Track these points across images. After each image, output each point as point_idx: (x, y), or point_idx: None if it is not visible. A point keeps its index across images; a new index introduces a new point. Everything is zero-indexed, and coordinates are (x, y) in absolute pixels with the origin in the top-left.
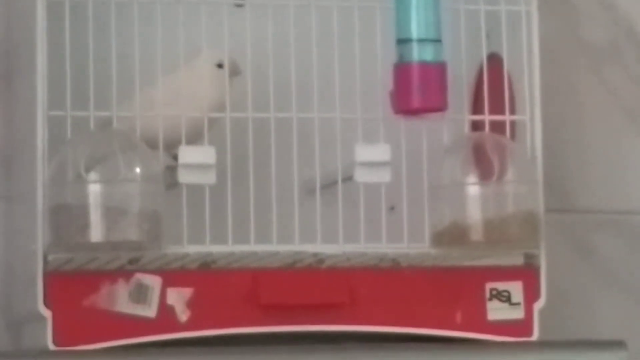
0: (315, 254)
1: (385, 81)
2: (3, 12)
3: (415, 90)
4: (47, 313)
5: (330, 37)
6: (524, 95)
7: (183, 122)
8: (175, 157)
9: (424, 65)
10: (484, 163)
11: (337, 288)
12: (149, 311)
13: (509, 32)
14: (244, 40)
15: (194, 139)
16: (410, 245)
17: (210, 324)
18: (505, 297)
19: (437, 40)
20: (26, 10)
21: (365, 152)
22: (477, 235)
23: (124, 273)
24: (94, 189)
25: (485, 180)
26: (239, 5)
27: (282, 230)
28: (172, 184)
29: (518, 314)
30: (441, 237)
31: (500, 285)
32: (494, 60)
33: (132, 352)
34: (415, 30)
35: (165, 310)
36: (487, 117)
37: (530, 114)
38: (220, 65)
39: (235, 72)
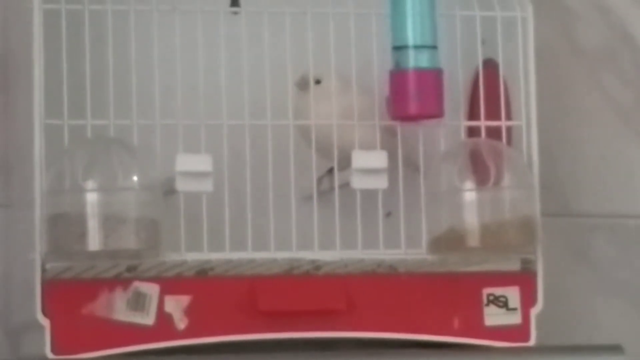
0: (312, 261)
1: (381, 88)
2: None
3: (412, 96)
4: (45, 321)
5: (326, 43)
6: (520, 101)
7: (180, 131)
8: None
9: (420, 71)
10: (480, 169)
11: (335, 294)
12: (147, 319)
13: (504, 38)
14: (240, 48)
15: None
16: (408, 251)
17: (208, 332)
18: (502, 303)
19: (433, 47)
20: (23, 19)
21: (362, 159)
22: (474, 240)
23: (122, 281)
24: (92, 197)
25: (481, 186)
26: (235, 13)
27: (279, 237)
28: (169, 191)
29: (515, 319)
30: (438, 243)
31: (498, 291)
32: (490, 66)
33: None
34: (411, 36)
35: (163, 317)
36: (483, 123)
37: (526, 119)
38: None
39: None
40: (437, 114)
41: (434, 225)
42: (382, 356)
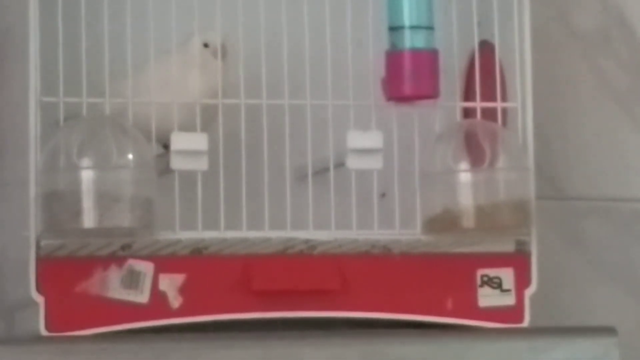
0: (307, 241)
1: (377, 68)
2: None
3: (407, 77)
4: (39, 299)
5: (322, 23)
6: (516, 83)
7: (175, 109)
8: (166, 147)
9: (415, 52)
10: (475, 150)
11: (329, 274)
12: (141, 297)
13: (500, 20)
14: (236, 27)
15: (186, 126)
16: (402, 231)
17: (202, 310)
18: (496, 284)
19: (429, 28)
20: None
21: (357, 139)
22: (468, 222)
23: (116, 259)
24: (87, 175)
25: (476, 167)
26: None
27: (274, 217)
28: (164, 170)
29: (509, 300)
30: (433, 224)
31: (492, 272)
32: (486, 48)
33: (124, 338)
34: (407, 17)
35: (158, 296)
36: (478, 104)
37: (521, 101)
38: (206, 45)
39: (222, 53)
40: (433, 94)
41: (428, 206)
42: (376, 336)
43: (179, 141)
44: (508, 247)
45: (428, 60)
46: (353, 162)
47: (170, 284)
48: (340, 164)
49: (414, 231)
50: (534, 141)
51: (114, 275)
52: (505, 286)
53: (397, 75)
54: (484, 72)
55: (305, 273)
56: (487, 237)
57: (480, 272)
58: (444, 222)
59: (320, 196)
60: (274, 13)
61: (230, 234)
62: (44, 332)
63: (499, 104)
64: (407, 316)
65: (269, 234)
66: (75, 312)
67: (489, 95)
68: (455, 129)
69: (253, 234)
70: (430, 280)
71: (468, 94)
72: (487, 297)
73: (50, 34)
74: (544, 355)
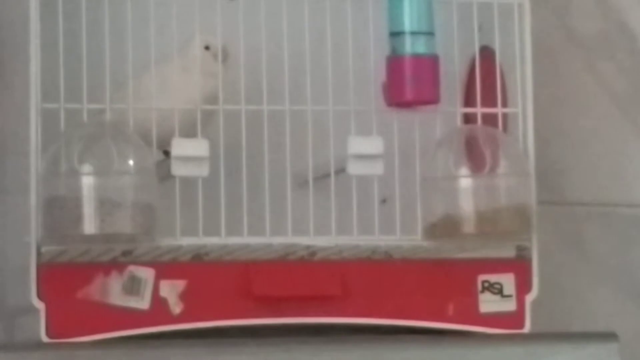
0: (307, 246)
1: (377, 74)
2: None
3: (408, 82)
4: (40, 305)
5: (323, 29)
6: (516, 88)
7: (176, 115)
8: (166, 153)
9: (416, 57)
10: (476, 155)
11: (330, 280)
12: (142, 303)
13: (501, 25)
14: (237, 33)
15: (187, 132)
16: (403, 237)
17: (203, 316)
18: (497, 289)
19: (430, 33)
20: (19, 1)
21: (357, 145)
22: (469, 227)
23: (117, 265)
24: (87, 181)
25: (477, 173)
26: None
27: (275, 223)
28: (165, 176)
29: (510, 306)
30: (433, 230)
31: (493, 278)
32: (486, 53)
33: (125, 344)
34: (407, 22)
35: (159, 302)
36: (479, 110)
37: (522, 107)
38: (207, 48)
39: (223, 55)
40: (434, 100)
41: (429, 212)
42: (377, 342)
43: (180, 147)
44: (509, 252)
45: (429, 65)
46: (354, 168)
47: (171, 290)
48: (341, 170)
49: (414, 237)
50: (535, 146)
51: (115, 282)
52: (506, 292)
53: (398, 80)
54: (484, 77)
55: (306, 279)
56: (488, 242)
57: (481, 277)
58: (444, 227)
59: (321, 202)
60: (275, 19)
61: (231, 240)
62: (44, 338)
63: (499, 110)
64: (408, 322)
65: (269, 239)
66: (76, 318)
67: (489, 100)
68: (455, 135)
69: (254, 240)
70: (431, 286)
71: (469, 100)
72: (488, 303)
73: (51, 40)
74: None
